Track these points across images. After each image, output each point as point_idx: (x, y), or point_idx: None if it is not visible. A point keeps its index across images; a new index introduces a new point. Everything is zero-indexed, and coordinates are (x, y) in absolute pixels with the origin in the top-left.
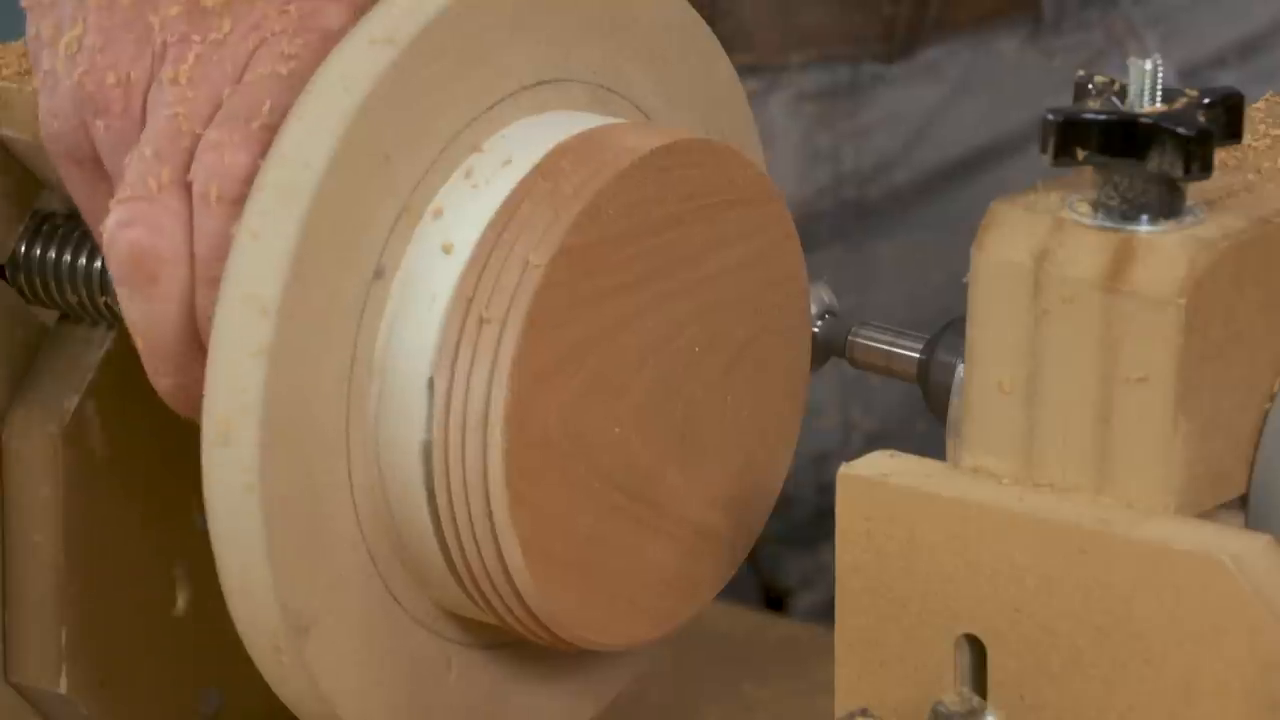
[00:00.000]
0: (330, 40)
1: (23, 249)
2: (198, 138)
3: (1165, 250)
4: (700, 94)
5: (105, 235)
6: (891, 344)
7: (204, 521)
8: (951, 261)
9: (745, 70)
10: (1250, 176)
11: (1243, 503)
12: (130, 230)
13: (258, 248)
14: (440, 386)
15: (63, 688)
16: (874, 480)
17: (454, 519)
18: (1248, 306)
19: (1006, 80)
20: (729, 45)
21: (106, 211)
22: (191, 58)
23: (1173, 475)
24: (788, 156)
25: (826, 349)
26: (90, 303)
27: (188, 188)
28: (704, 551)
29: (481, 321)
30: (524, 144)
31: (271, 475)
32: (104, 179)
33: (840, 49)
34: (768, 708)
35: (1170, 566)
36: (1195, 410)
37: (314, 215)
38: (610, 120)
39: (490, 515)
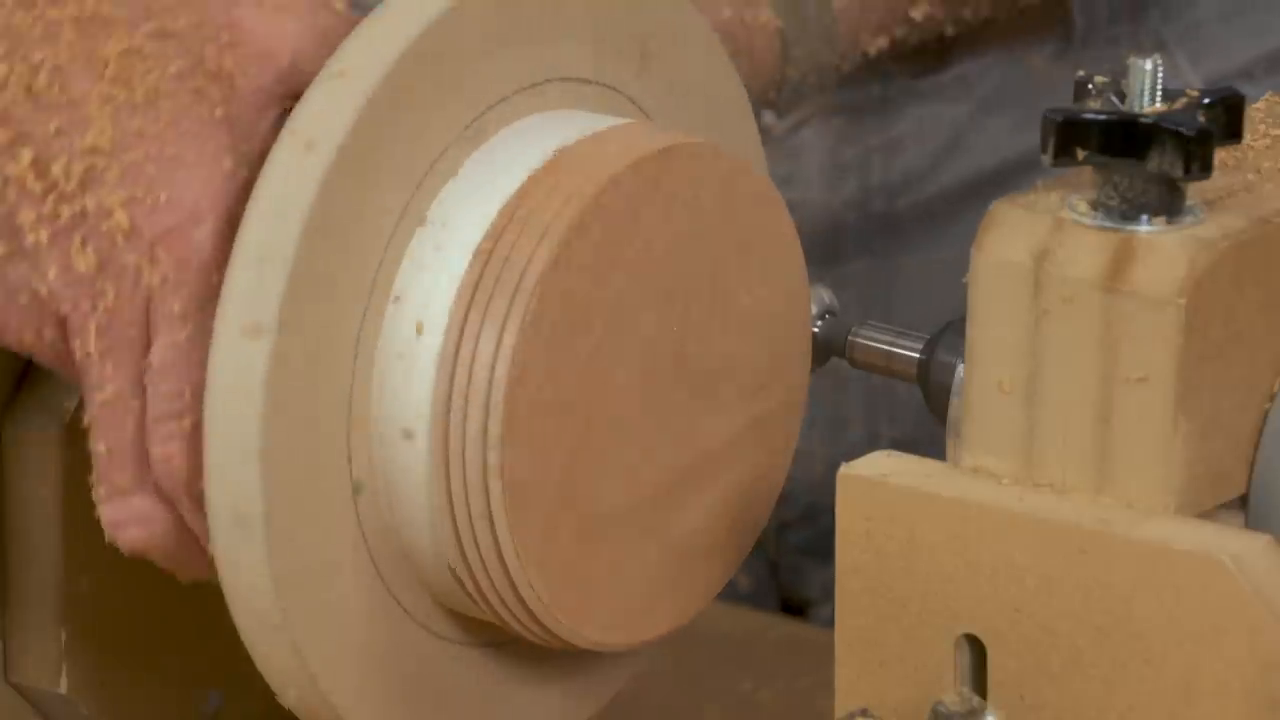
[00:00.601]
0: (208, 278)
1: None
2: (138, 414)
3: (1165, 250)
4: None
5: (105, 529)
6: (891, 344)
7: None
8: None
9: None
10: (1250, 176)
11: (1243, 503)
12: (127, 532)
13: (236, 573)
14: (459, 567)
15: (63, 688)
16: (874, 480)
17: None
18: (1248, 306)
19: (1036, 95)
20: None
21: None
22: (92, 329)
23: (1173, 475)
24: (816, 169)
25: (826, 349)
26: None
27: (155, 484)
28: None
29: (471, 519)
30: (431, 292)
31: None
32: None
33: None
34: (768, 708)
35: (1170, 566)
36: (1195, 410)
37: (270, 517)
38: (543, 143)
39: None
